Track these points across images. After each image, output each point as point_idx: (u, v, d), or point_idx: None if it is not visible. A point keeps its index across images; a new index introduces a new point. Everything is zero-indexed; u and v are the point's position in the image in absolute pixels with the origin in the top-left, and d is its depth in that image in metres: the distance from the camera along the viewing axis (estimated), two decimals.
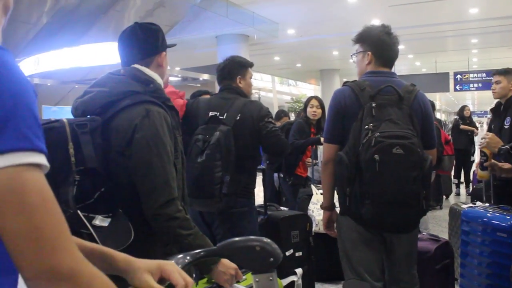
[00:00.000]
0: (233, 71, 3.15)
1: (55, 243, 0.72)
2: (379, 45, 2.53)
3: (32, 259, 0.71)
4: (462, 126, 9.30)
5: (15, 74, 0.73)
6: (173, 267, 1.08)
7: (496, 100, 4.06)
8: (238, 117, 2.94)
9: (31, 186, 0.71)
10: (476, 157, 9.27)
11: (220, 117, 2.95)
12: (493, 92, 4.01)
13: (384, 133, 2.23)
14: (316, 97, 5.18)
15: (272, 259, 1.16)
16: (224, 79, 3.16)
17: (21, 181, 0.70)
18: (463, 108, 9.54)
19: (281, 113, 7.64)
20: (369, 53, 2.54)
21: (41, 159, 0.72)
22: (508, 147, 2.98)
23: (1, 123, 0.68)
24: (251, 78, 3.24)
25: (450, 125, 11.77)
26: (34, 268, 0.71)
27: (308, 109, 5.01)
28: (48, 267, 0.71)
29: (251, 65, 3.24)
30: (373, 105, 2.32)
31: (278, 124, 7.11)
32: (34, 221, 0.70)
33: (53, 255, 0.71)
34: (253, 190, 3.10)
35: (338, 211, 2.58)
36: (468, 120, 9.40)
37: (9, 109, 0.69)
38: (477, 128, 9.30)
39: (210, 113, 2.97)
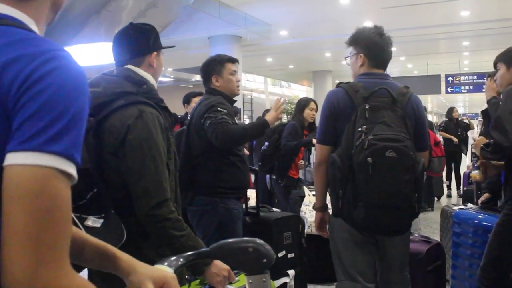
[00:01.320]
0: (207, 72, 3.08)
1: (53, 255, 0.67)
2: (371, 46, 2.52)
3: (24, 265, 0.64)
4: (440, 133, 9.31)
5: (81, 84, 0.77)
6: (175, 281, 1.06)
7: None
8: (191, 117, 3.03)
9: (57, 192, 0.69)
10: (468, 160, 9.30)
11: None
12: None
13: (377, 136, 2.23)
14: (313, 100, 5.23)
15: (265, 260, 1.16)
16: (204, 83, 3.13)
17: (50, 184, 0.69)
18: (451, 109, 9.50)
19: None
20: (361, 55, 2.53)
21: (73, 170, 0.72)
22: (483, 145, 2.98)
23: (56, 130, 0.70)
24: (232, 74, 3.04)
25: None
26: (22, 278, 0.64)
27: (308, 111, 5.02)
28: (40, 280, 0.65)
29: (230, 60, 3.06)
30: (367, 107, 2.32)
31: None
32: (41, 225, 0.66)
33: (48, 268, 0.65)
34: (222, 189, 2.93)
35: (330, 212, 2.58)
36: (456, 121, 9.41)
37: (69, 118, 0.72)
38: (459, 136, 9.13)
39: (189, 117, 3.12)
